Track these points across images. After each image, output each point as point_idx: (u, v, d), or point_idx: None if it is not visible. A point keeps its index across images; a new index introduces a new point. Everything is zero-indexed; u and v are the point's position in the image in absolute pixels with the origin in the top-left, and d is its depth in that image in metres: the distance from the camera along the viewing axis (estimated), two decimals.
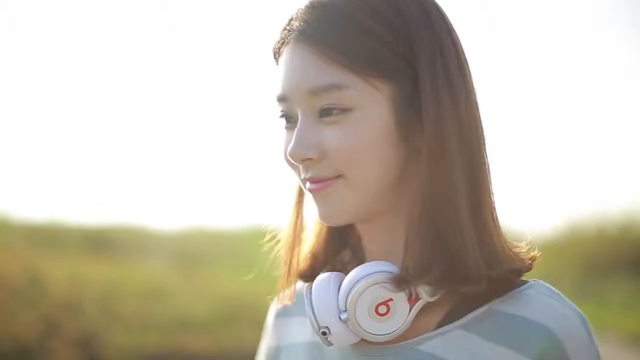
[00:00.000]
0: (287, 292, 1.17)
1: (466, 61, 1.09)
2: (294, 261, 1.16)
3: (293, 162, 1.06)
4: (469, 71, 1.09)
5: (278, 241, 1.18)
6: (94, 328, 6.20)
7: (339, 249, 1.17)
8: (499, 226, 1.08)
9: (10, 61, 13.91)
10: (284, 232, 1.17)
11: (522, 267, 1.07)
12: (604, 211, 13.74)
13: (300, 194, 1.16)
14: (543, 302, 1.05)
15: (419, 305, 1.05)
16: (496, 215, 1.08)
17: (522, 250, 1.09)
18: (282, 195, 1.19)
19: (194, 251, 11.64)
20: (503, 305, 1.05)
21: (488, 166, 1.08)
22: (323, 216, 1.07)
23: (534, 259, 1.09)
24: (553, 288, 1.08)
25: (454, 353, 1.04)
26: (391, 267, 1.06)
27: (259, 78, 1.10)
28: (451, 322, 1.06)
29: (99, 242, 10.81)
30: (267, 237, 1.19)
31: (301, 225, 1.16)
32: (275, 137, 1.11)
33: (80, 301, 6.57)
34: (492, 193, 1.08)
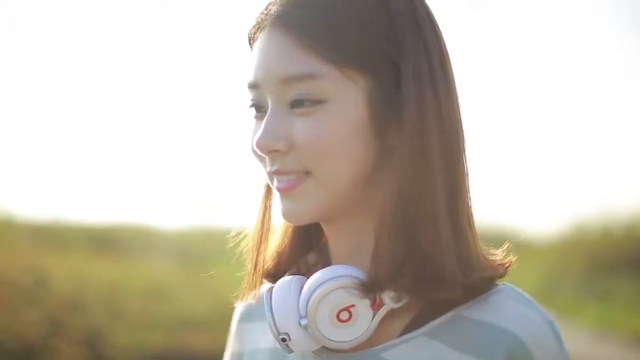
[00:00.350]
0: (253, 293, 1.12)
1: (449, 60, 1.05)
2: (260, 260, 1.11)
3: (259, 153, 1.02)
4: (452, 70, 1.05)
5: (244, 237, 1.13)
6: (98, 327, 6.20)
7: (305, 250, 1.12)
8: (475, 231, 1.03)
9: (10, 61, 13.92)
10: (251, 229, 1.12)
11: (495, 275, 1.03)
12: (609, 211, 13.72)
13: (269, 189, 1.10)
14: (510, 307, 1.00)
15: (382, 311, 1.00)
16: (473, 220, 1.04)
17: (497, 258, 1.05)
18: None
19: (197, 250, 11.64)
20: (469, 311, 1.01)
21: (467, 169, 1.04)
22: (286, 214, 1.03)
23: (509, 266, 1.05)
24: (522, 292, 1.03)
25: None
26: (354, 271, 1.01)
27: None
28: (416, 328, 1.02)
29: (103, 241, 10.82)
30: (233, 233, 1.14)
31: (268, 222, 1.11)
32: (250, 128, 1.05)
33: (84, 300, 6.58)
34: (470, 197, 1.04)
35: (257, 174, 1.09)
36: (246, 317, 1.18)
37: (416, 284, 0.98)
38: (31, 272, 6.46)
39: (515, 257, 1.05)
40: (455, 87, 1.04)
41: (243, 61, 1.07)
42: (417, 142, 0.99)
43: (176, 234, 13.11)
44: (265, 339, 1.13)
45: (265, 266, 1.11)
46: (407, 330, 1.02)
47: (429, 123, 1.00)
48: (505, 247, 1.06)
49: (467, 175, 1.04)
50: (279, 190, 1.02)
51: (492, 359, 0.98)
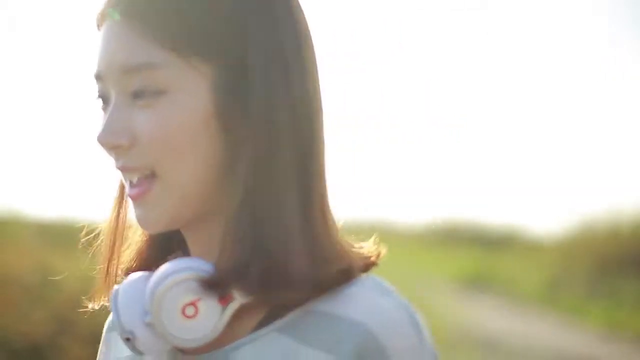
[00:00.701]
0: (105, 297, 1.06)
1: (308, 43, 0.98)
2: (114, 260, 1.05)
3: (103, 148, 0.97)
4: (311, 54, 0.98)
5: (97, 236, 1.07)
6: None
7: (167, 250, 1.04)
8: (332, 224, 0.97)
9: (10, 61, 13.96)
10: (105, 227, 1.06)
11: (355, 267, 0.96)
12: (616, 209, 13.71)
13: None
14: (365, 298, 0.94)
15: (232, 306, 0.94)
16: (329, 212, 0.97)
17: (363, 251, 0.99)
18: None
19: None
20: (322, 305, 0.95)
21: (324, 160, 0.98)
22: (140, 222, 0.98)
23: (377, 257, 0.99)
24: (384, 283, 0.97)
25: (268, 359, 0.95)
26: (202, 264, 0.95)
27: None
28: (267, 324, 0.96)
29: None
30: (84, 232, 1.08)
31: (124, 219, 1.04)
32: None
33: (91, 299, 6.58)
34: (326, 189, 0.98)
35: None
36: (113, 325, 1.09)
37: (262, 285, 0.93)
38: (38, 271, 6.46)
39: (386, 249, 1.00)
40: (314, 72, 0.98)
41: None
42: (264, 133, 0.94)
43: None
44: (126, 347, 1.03)
45: (127, 266, 1.05)
46: (259, 327, 0.97)
47: (277, 112, 0.94)
48: (374, 238, 1.01)
49: (323, 167, 0.98)
50: (129, 196, 0.98)
51: (340, 352, 0.92)
